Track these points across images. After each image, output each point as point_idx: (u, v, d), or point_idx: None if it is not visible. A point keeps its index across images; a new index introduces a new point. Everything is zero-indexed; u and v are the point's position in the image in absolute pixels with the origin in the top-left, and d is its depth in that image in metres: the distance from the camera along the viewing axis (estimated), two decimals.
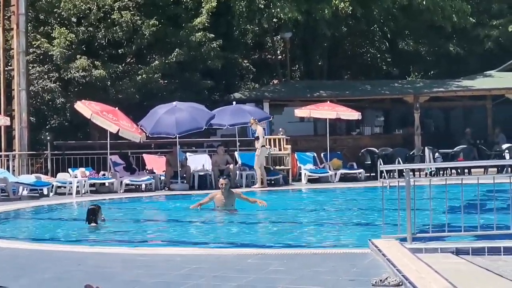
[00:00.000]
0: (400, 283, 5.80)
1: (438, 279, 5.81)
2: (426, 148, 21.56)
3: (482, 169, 18.79)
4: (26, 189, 17.53)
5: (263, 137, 18.96)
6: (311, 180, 20.02)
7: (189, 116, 18.67)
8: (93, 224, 10.96)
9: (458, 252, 7.30)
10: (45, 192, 17.38)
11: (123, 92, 21.99)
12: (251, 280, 6.28)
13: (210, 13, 22.50)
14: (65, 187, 17.67)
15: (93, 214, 11.05)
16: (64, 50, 21.21)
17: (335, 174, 20.13)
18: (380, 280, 5.83)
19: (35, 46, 22.03)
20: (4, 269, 7.24)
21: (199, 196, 13.94)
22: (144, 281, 6.37)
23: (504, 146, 22.32)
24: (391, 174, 18.29)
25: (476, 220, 7.96)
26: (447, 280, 5.72)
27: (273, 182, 19.65)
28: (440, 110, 28.10)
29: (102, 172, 18.72)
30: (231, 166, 19.32)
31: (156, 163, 19.78)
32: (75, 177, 17.55)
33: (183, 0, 23.27)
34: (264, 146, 18.90)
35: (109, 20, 22.04)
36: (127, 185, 18.29)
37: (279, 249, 8.49)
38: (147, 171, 19.10)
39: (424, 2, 24.14)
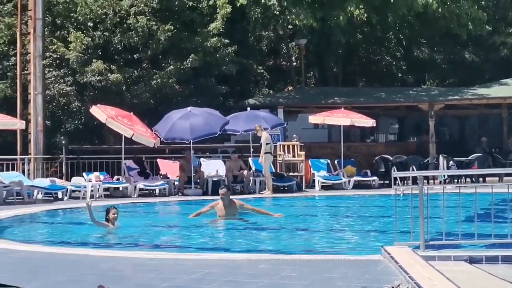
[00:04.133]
0: None
1: (450, 286, 5.78)
2: (440, 156, 21.44)
3: (497, 178, 18.66)
4: (41, 193, 17.65)
5: (266, 144, 18.83)
6: (324, 187, 19.98)
7: (204, 122, 18.71)
8: (110, 225, 11.22)
9: (471, 260, 7.26)
10: (60, 196, 17.49)
11: (138, 96, 22.10)
12: (263, 285, 6.29)
13: (225, 19, 22.56)
14: (79, 191, 17.76)
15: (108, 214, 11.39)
16: (80, 54, 21.35)
17: (349, 181, 20.08)
18: (392, 287, 5.81)
19: (51, 50, 22.19)
20: (18, 272, 7.29)
21: (212, 202, 13.93)
22: (156, 285, 6.38)
23: None
24: (405, 182, 18.20)
25: (490, 229, 7.92)
26: None
27: (286, 188, 19.64)
28: (455, 118, 27.97)
29: (116, 177, 18.79)
30: (245, 172, 19.33)
31: (170, 168, 19.82)
32: (90, 181, 17.64)
33: (198, 6, 23.36)
34: (268, 153, 18.83)
35: (124, 25, 22.16)
36: (141, 190, 18.33)
37: (291, 255, 8.48)
38: (161, 176, 19.14)
39: (439, 10, 24.01)
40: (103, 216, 11.52)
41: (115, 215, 11.33)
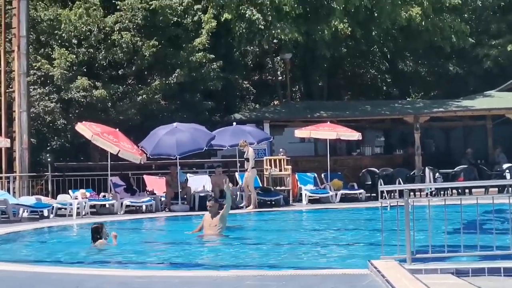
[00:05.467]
0: None
1: None
2: (426, 168, 21.52)
3: (483, 189, 18.75)
4: (27, 211, 17.51)
5: (254, 159, 18.95)
6: (311, 201, 19.98)
7: (190, 137, 18.69)
8: (100, 241, 11.14)
9: (458, 272, 7.27)
10: (46, 213, 17.35)
11: (123, 113, 22.04)
12: None
13: (210, 34, 22.58)
14: (65, 209, 17.64)
15: (97, 233, 11.30)
16: (64, 71, 21.29)
17: (336, 194, 20.09)
18: None
19: (36, 68, 22.11)
20: None
21: (199, 218, 13.87)
22: None
23: (505, 166, 22.29)
24: (392, 194, 18.23)
25: (476, 241, 7.93)
26: None
27: (273, 202, 19.61)
28: (440, 130, 28.10)
29: (102, 194, 18.70)
30: (230, 185, 19.28)
31: (156, 184, 19.76)
32: (76, 198, 17.53)
33: (183, 21, 23.37)
34: (254, 168, 18.90)
35: (109, 41, 22.14)
36: (127, 206, 18.24)
37: (278, 271, 8.44)
38: (148, 192, 19.08)
39: (423, 23, 24.22)
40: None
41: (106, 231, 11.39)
